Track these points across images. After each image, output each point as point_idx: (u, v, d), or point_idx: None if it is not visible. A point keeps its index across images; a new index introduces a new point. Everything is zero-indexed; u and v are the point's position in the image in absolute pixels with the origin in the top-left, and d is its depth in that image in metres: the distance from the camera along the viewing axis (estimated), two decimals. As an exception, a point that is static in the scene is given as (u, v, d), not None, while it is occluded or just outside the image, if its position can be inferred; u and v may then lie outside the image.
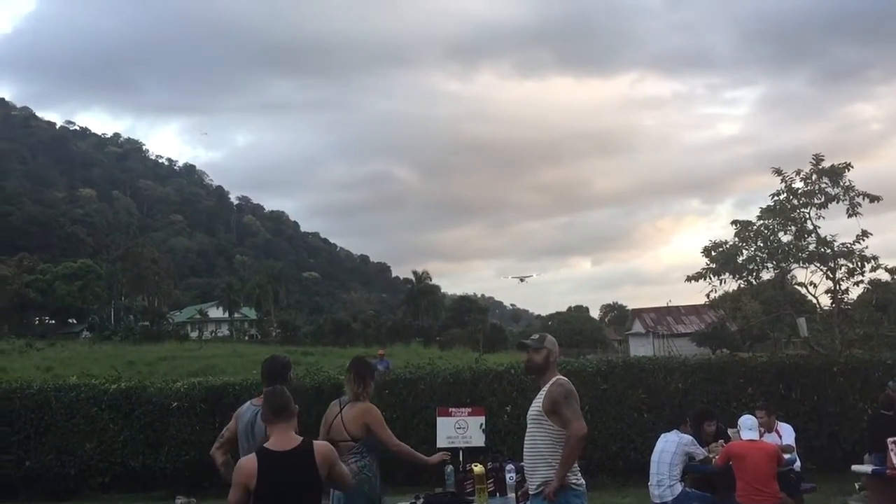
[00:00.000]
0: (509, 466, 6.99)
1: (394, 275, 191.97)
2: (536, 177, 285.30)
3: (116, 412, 12.73)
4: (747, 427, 7.95)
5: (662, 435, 8.30)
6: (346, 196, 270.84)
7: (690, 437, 8.13)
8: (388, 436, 6.20)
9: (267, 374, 5.73)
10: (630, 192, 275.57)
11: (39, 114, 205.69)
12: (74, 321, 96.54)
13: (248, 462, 4.33)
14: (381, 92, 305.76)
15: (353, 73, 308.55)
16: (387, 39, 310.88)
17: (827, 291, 14.87)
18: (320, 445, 4.53)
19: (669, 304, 66.65)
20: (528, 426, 5.46)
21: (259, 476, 4.22)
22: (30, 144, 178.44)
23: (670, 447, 8.01)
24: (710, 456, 8.10)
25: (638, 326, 72.15)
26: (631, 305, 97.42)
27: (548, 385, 5.35)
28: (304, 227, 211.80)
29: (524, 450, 5.51)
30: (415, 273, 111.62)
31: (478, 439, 10.70)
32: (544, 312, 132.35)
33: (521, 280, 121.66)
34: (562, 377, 5.43)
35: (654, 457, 8.14)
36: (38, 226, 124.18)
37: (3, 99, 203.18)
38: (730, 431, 8.98)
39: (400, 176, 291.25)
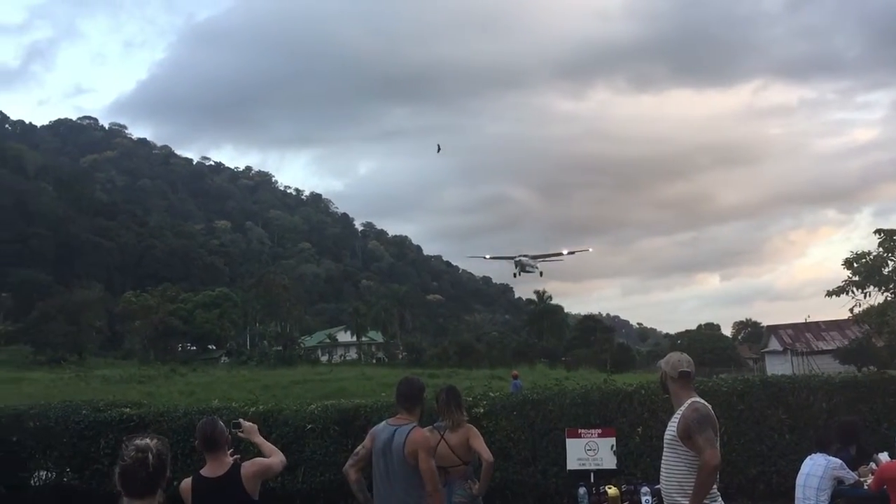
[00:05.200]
0: (644, 489, 6.87)
1: (516, 296, 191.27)
2: (657, 192, 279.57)
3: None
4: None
5: (809, 457, 7.89)
6: (465, 219, 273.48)
7: (840, 461, 7.68)
8: (487, 449, 6.52)
9: (404, 396, 5.87)
10: (758, 205, 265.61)
11: (178, 152, 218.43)
12: (214, 347, 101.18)
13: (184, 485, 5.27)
14: (493, 115, 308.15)
15: (465, 97, 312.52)
16: (497, 63, 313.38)
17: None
18: (245, 467, 5.29)
19: (808, 320, 63.24)
20: (664, 449, 5.31)
21: (193, 499, 5.19)
22: (170, 181, 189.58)
23: (817, 470, 7.59)
24: (862, 480, 7.63)
25: (774, 344, 68.77)
26: (765, 322, 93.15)
27: (682, 408, 5.18)
28: (427, 250, 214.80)
29: (661, 473, 5.37)
30: (537, 293, 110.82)
31: (609, 461, 10.50)
32: (673, 331, 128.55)
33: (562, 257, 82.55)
34: (698, 400, 5.23)
35: (800, 480, 7.74)
36: (179, 257, 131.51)
37: (145, 139, 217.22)
38: (879, 456, 8.42)
39: (517, 197, 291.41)
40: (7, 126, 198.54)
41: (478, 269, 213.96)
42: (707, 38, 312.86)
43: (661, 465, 5.35)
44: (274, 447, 5.82)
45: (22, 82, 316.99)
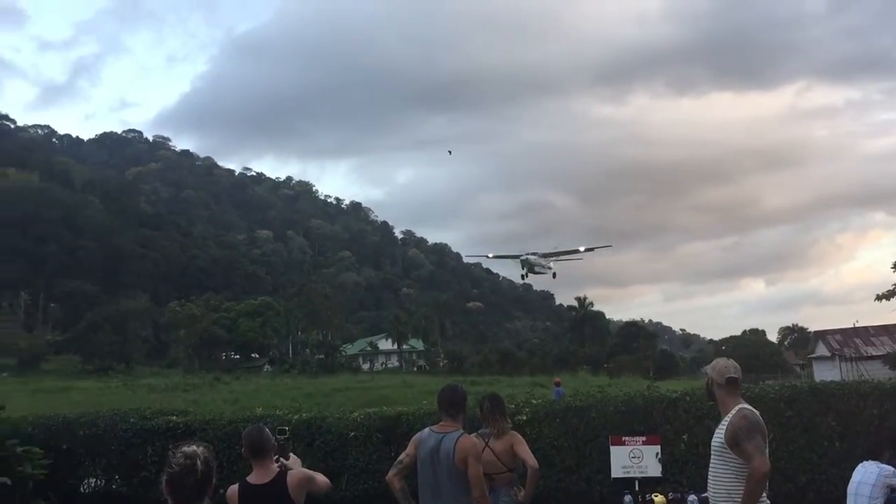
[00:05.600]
0: (691, 497, 6.78)
1: (557, 302, 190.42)
2: (699, 196, 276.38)
3: (299, 441, 13.29)
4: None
5: (860, 465, 7.70)
6: (504, 225, 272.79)
7: (893, 469, 7.49)
8: (532, 456, 6.51)
9: (448, 403, 5.86)
10: (803, 208, 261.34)
11: (220, 163, 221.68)
12: (256, 355, 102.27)
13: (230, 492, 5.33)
14: (531, 122, 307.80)
15: (503, 105, 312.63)
16: (535, 70, 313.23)
17: None
18: (291, 475, 5.28)
19: (857, 325, 61.94)
20: (712, 456, 5.23)
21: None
22: (212, 191, 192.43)
23: (869, 478, 7.40)
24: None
25: (822, 349, 67.37)
26: (812, 327, 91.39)
27: (730, 415, 5.10)
28: (466, 257, 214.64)
29: (708, 481, 5.29)
30: (578, 300, 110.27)
31: (654, 469, 10.37)
32: (716, 337, 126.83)
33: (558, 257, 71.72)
34: (746, 407, 5.15)
35: (851, 489, 7.55)
36: (222, 267, 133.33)
37: (188, 151, 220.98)
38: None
39: (556, 203, 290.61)
40: (55, 140, 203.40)
41: (518, 276, 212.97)
42: (748, 39, 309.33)
43: (709, 473, 5.27)
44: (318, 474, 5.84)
45: (69, 97, 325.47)
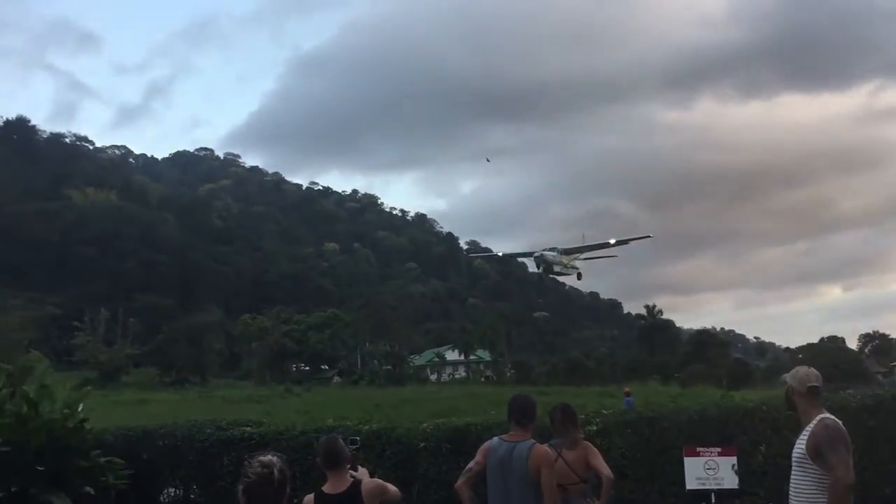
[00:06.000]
0: (771, 510, 6.61)
1: (625, 311, 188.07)
2: (771, 201, 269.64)
3: (369, 452, 13.39)
4: None
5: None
6: (570, 235, 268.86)
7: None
8: (606, 466, 6.45)
9: (518, 413, 5.88)
10: (882, 211, 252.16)
11: (288, 178, 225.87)
12: (326, 367, 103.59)
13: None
14: (596, 129, 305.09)
15: (566, 113, 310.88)
16: (600, 77, 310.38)
17: None
18: (366, 485, 5.33)
19: (942, 331, 59.41)
20: (792, 468, 5.09)
21: None
22: (281, 206, 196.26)
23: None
24: None
25: (905, 356, 64.94)
26: (895, 334, 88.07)
27: (811, 425, 4.96)
28: (533, 268, 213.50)
29: (789, 493, 5.14)
30: (647, 308, 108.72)
31: (730, 481, 10.15)
32: (793, 344, 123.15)
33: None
34: (828, 417, 5.00)
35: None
36: (292, 280, 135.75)
37: (257, 167, 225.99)
38: None
39: (623, 211, 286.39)
40: (131, 160, 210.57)
41: (584, 285, 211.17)
42: (818, 38, 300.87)
43: (790, 485, 5.13)
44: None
45: (144, 118, 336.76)
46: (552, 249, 56.58)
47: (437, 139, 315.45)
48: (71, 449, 12.74)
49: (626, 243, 58.22)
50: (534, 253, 57.92)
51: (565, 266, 58.52)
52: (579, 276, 60.66)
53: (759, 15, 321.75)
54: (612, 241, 57.48)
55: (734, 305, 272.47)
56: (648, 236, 63.87)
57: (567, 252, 57.73)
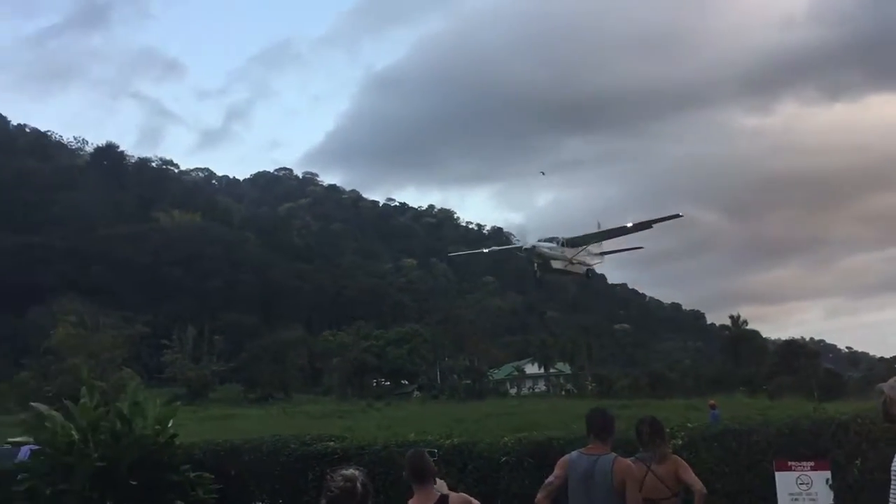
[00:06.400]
0: (869, 527, 6.34)
1: (708, 322, 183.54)
2: (860, 205, 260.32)
3: (451, 466, 13.40)
4: None
5: None
6: (649, 245, 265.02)
7: None
8: (698, 480, 6.36)
9: (599, 427, 5.85)
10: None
11: (365, 195, 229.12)
12: (406, 382, 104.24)
13: None
14: (673, 137, 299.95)
15: (643, 121, 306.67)
16: (674, 84, 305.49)
17: None
18: (452, 498, 5.46)
19: None
20: (892, 483, 4.88)
21: None
22: (359, 223, 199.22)
23: None
24: None
25: None
26: None
27: (910, 436, 4.74)
28: (611, 279, 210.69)
29: (888, 508, 4.92)
30: (731, 318, 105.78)
31: (825, 497, 9.78)
32: (887, 354, 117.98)
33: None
34: (930, 429, 4.76)
35: None
36: (371, 295, 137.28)
37: (334, 185, 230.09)
38: None
39: (704, 220, 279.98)
40: (214, 182, 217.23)
41: (666, 296, 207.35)
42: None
43: (890, 501, 4.92)
44: None
45: (225, 141, 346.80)
46: (551, 239, 45.39)
47: (512, 152, 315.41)
48: (162, 464, 13.16)
49: (649, 226, 46.70)
50: (522, 246, 45.86)
51: (570, 262, 46.40)
52: (588, 274, 49.34)
53: (841, 14, 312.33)
54: (630, 225, 45.78)
55: (824, 314, 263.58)
56: (678, 215, 48.90)
57: (571, 243, 45.95)
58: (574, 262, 45.54)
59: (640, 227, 45.73)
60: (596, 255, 48.39)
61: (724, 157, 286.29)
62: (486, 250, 51.37)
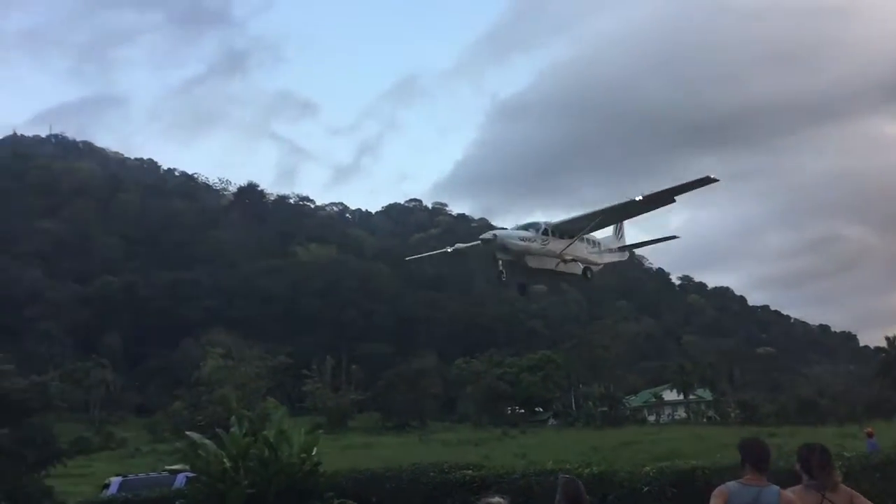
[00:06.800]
0: None
1: (861, 344, 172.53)
2: None
3: (591, 496, 13.15)
4: None
5: None
6: (791, 264, 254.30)
7: None
8: None
9: (758, 458, 5.78)
10: None
11: (494, 223, 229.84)
12: (540, 409, 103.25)
13: None
14: (812, 150, 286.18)
15: (779, 136, 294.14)
16: (813, 97, 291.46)
17: None
18: None
19: None
20: None
21: None
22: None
23: None
24: None
25: None
26: None
27: None
28: (751, 300, 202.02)
29: None
30: (887, 339, 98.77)
31: None
32: None
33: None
34: None
35: None
36: (503, 323, 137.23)
37: (463, 214, 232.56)
38: None
39: (850, 235, 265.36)
40: (348, 215, 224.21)
41: (812, 317, 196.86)
42: None
43: None
44: None
45: (357, 175, 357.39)
46: (532, 226, 30.07)
47: (642, 173, 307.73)
48: (308, 491, 13.64)
49: (671, 200, 30.36)
50: (488, 238, 28.88)
51: (560, 258, 30.95)
52: (587, 274, 33.59)
53: None
54: (639, 198, 29.93)
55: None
56: (712, 178, 28.65)
57: (560, 229, 30.87)
58: (567, 258, 30.84)
59: (654, 200, 29.94)
60: (615, 249, 35.89)
61: (871, 168, 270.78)
62: (449, 249, 29.14)
